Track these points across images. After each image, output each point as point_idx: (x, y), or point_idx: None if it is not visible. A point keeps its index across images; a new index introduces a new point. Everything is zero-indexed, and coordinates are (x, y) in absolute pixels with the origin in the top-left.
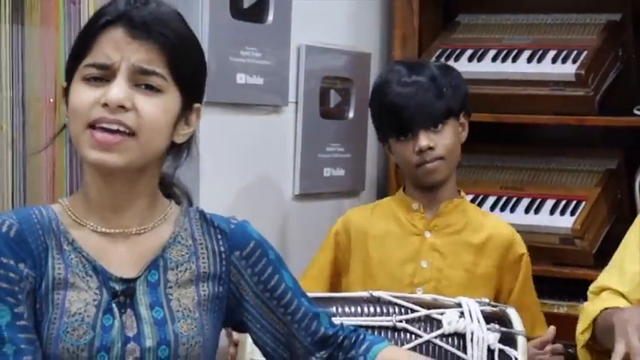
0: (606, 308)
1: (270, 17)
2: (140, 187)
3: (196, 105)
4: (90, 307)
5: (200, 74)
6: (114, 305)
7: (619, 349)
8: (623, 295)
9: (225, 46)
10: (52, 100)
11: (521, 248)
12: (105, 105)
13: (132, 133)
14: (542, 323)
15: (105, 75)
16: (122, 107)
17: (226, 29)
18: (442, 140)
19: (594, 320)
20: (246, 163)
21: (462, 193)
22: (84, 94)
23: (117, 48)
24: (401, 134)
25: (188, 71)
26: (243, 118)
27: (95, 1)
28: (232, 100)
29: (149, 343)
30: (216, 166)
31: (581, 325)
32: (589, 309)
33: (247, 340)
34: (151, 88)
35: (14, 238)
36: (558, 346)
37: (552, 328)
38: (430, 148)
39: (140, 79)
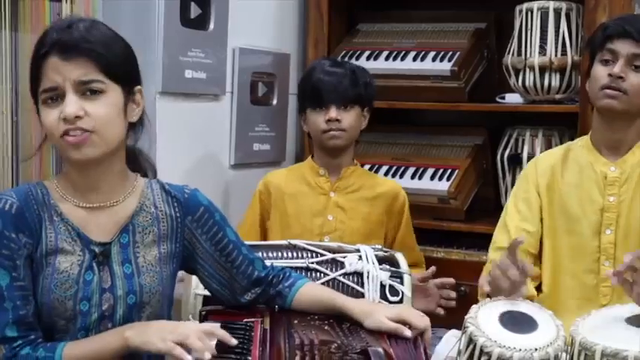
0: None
1: (212, 26)
2: (111, 168)
3: (137, 87)
4: (75, 266)
5: (130, 62)
6: (94, 264)
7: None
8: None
9: (176, 48)
10: None
11: (404, 199)
12: (65, 119)
13: (92, 132)
14: (421, 258)
15: (56, 95)
16: (78, 117)
17: (177, 35)
18: (347, 118)
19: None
20: (193, 139)
21: (356, 161)
22: (50, 116)
23: (57, 72)
24: (317, 106)
25: (119, 67)
26: (190, 104)
27: (73, 12)
28: (182, 91)
29: (120, 292)
30: (170, 143)
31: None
32: (486, 267)
33: (192, 278)
34: (94, 92)
35: (15, 214)
36: (450, 280)
37: (432, 267)
38: (337, 120)
39: (84, 89)
